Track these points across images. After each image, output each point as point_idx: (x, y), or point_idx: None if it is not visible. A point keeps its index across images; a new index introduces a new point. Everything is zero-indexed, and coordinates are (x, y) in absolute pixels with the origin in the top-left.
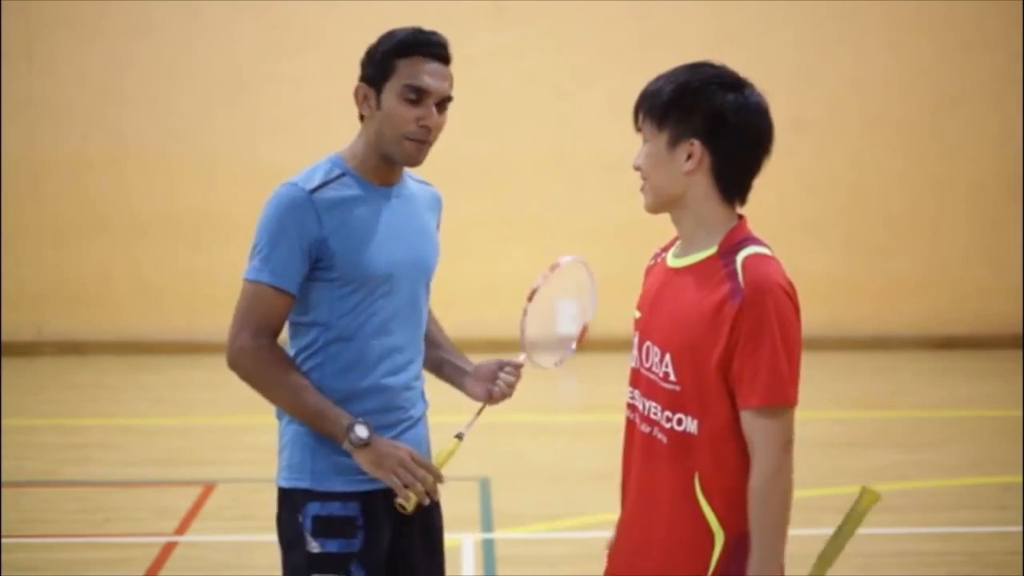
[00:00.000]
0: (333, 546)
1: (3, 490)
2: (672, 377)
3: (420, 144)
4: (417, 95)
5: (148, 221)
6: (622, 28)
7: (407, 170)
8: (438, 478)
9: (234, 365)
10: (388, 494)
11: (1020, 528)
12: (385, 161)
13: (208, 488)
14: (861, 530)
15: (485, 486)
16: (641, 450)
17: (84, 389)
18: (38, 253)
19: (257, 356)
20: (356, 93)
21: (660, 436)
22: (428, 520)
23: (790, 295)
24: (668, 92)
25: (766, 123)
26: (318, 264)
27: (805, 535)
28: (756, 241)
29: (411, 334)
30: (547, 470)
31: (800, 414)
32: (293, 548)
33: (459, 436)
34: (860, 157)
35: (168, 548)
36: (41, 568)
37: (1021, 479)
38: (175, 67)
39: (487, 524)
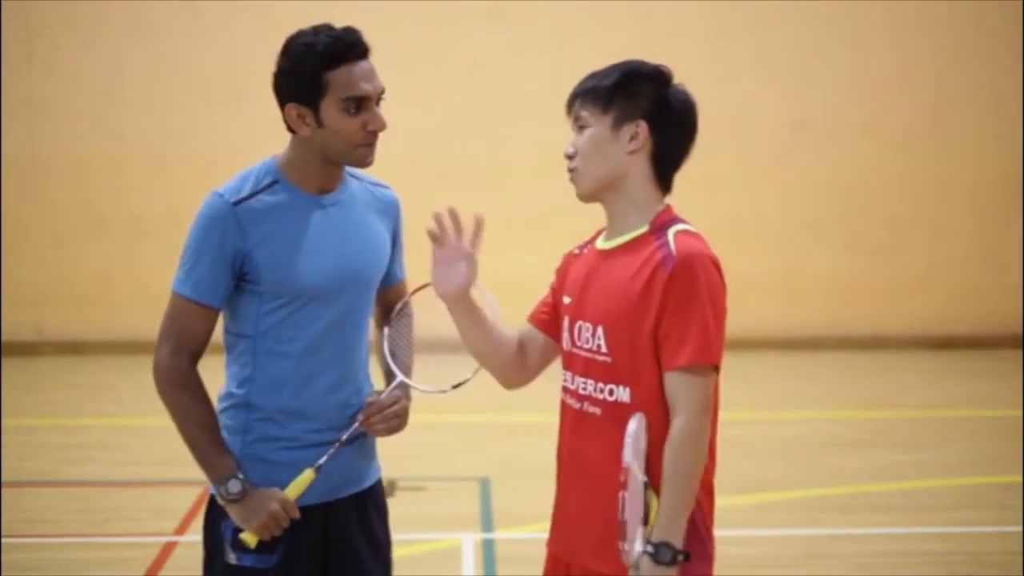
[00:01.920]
0: (249, 560)
1: (3, 490)
2: (604, 349)
3: (371, 147)
4: (358, 104)
5: (148, 221)
6: (622, 28)
7: (360, 173)
8: (294, 517)
9: (154, 377)
10: (317, 511)
11: (1020, 528)
12: (326, 168)
13: (208, 488)
14: (861, 530)
15: (485, 486)
16: (572, 426)
17: (84, 389)
18: (38, 253)
19: (168, 377)
20: (288, 115)
21: (592, 409)
22: (370, 530)
23: (718, 266)
24: (615, 77)
25: (696, 118)
26: (244, 277)
27: (805, 535)
28: (683, 221)
29: (348, 349)
30: (547, 470)
31: (800, 414)
32: (213, 557)
33: (316, 468)
34: (860, 157)
35: (168, 548)
36: (41, 568)
37: (1021, 479)
38: (175, 67)
39: (487, 524)
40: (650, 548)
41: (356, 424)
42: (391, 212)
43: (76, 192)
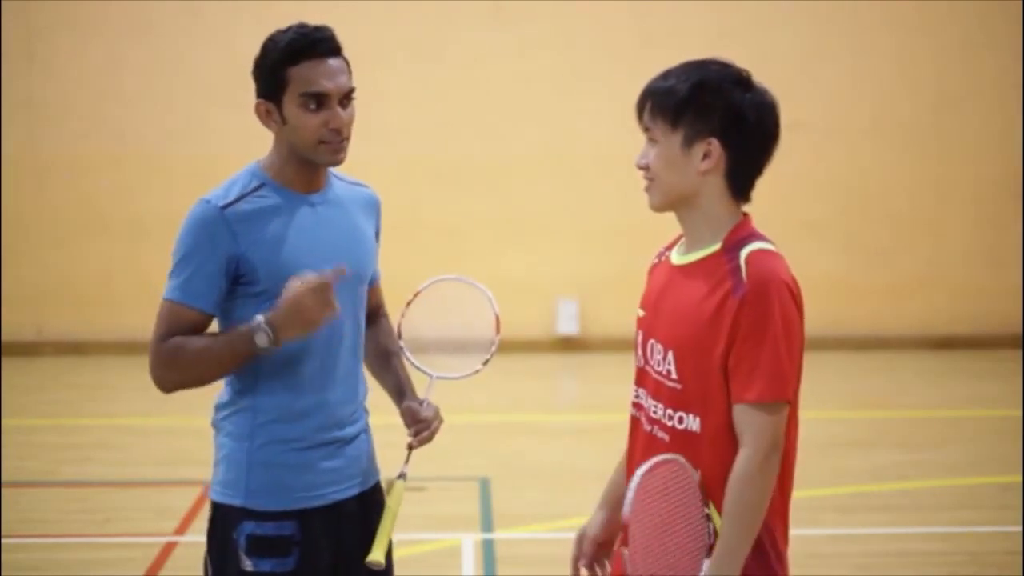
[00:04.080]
0: (266, 566)
1: (3, 490)
2: (674, 375)
3: (336, 145)
4: (317, 101)
5: (148, 221)
6: (622, 28)
7: (338, 172)
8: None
9: (160, 384)
10: (328, 511)
11: (1020, 528)
12: (305, 167)
13: (208, 488)
14: (861, 530)
15: (485, 486)
16: (643, 449)
17: (84, 389)
18: (38, 253)
19: (162, 355)
20: (257, 110)
21: (661, 435)
22: (373, 530)
23: (793, 291)
24: (683, 90)
25: (777, 120)
26: (240, 280)
27: (805, 535)
28: (760, 237)
29: (346, 344)
30: (547, 470)
31: (800, 414)
32: (226, 564)
33: (402, 476)
34: (860, 157)
35: (168, 548)
36: (41, 568)
37: (1021, 479)
38: (175, 67)
39: (487, 524)
40: None
41: (414, 444)
42: (374, 211)
43: (76, 192)
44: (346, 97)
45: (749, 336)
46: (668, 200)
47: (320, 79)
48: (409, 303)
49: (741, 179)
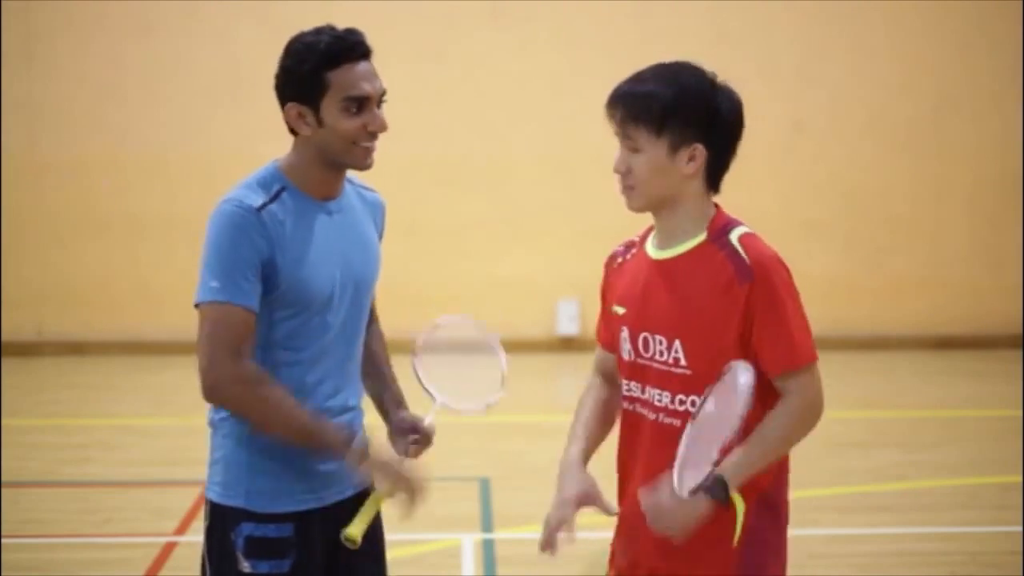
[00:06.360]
0: (264, 567)
1: (3, 490)
2: (683, 362)
3: (370, 147)
4: (359, 104)
5: (148, 221)
6: (622, 28)
7: (350, 176)
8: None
9: (217, 393)
10: (324, 513)
11: (1020, 528)
12: (329, 172)
13: (203, 494)
14: (861, 530)
15: (485, 486)
16: (651, 438)
17: (84, 389)
18: (38, 253)
19: (242, 378)
20: (288, 114)
21: (670, 420)
22: (369, 530)
23: (784, 264)
24: (667, 98)
25: (743, 116)
26: (263, 283)
27: (806, 535)
28: (738, 222)
29: (350, 352)
30: (547, 470)
31: None
32: (224, 564)
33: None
34: (860, 157)
35: (168, 548)
36: (41, 568)
37: (1021, 479)
38: (175, 67)
39: (487, 524)
40: (708, 481)
41: (411, 455)
42: (379, 215)
43: (76, 192)
44: (380, 99)
45: (769, 313)
46: (650, 203)
47: (361, 82)
48: (437, 326)
49: (717, 175)
